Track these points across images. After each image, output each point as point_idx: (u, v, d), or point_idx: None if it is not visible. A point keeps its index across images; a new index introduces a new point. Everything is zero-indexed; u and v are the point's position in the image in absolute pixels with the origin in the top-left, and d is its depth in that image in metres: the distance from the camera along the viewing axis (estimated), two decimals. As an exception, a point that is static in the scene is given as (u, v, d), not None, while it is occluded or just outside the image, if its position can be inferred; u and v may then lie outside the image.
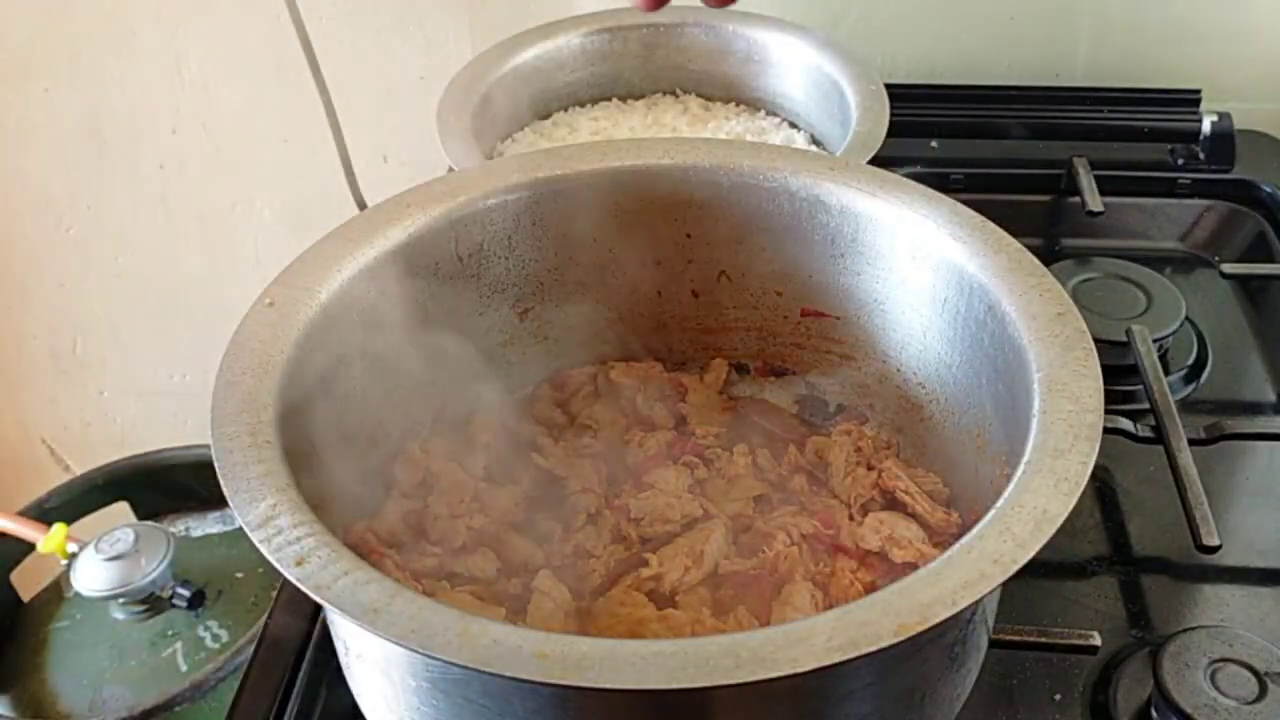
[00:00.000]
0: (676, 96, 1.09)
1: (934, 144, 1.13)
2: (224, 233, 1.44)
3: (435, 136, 0.92)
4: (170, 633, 1.10)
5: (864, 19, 1.19)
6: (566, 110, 1.08)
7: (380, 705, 0.57)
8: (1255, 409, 0.90)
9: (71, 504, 1.24)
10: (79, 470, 1.40)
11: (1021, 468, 0.52)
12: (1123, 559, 0.76)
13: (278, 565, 0.49)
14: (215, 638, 1.10)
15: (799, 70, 1.04)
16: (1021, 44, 1.19)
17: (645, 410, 0.77)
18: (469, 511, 0.69)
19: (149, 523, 1.21)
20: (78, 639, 1.12)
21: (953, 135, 1.13)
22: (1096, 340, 0.59)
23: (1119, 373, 0.83)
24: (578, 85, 1.08)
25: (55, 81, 1.34)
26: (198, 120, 1.36)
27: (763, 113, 1.07)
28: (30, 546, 1.16)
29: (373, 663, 0.55)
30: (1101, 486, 0.81)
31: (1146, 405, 0.81)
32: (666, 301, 0.79)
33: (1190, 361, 0.92)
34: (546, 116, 1.07)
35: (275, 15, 1.22)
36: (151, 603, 1.10)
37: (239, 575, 1.15)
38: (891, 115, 0.92)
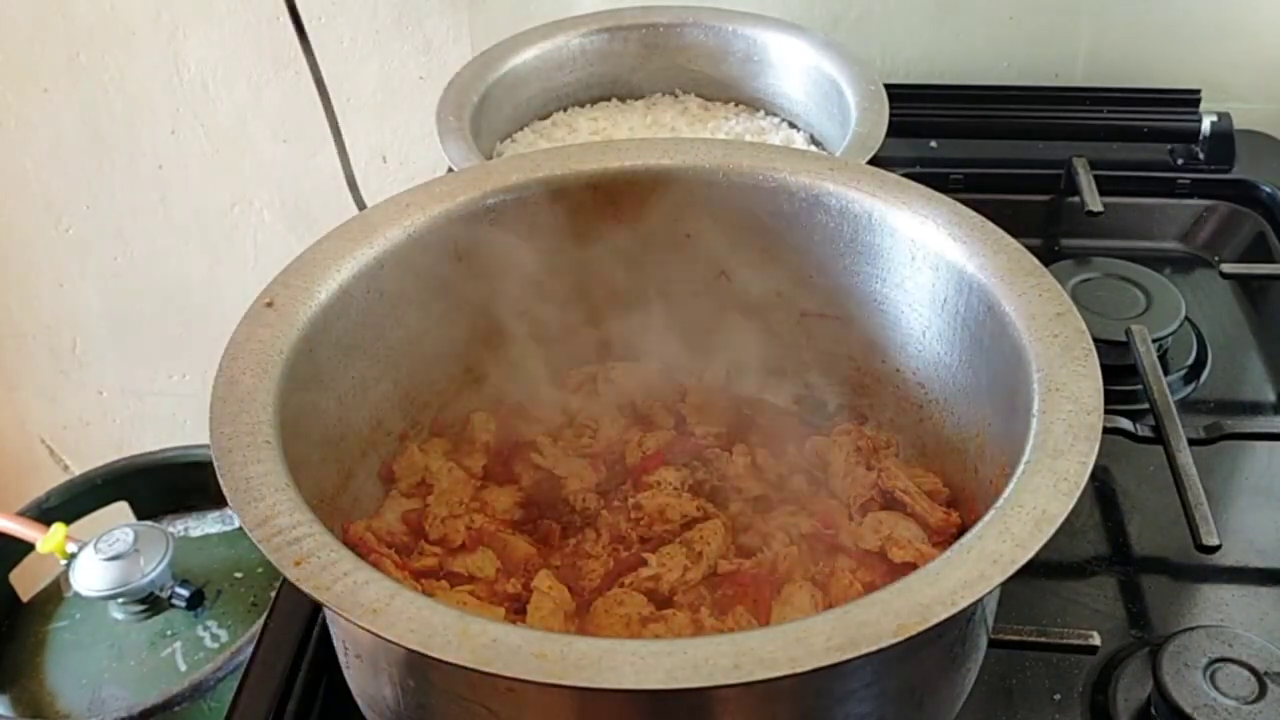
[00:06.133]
0: (676, 96, 1.09)
1: (934, 144, 1.13)
2: (223, 233, 1.44)
3: (435, 136, 0.92)
4: (169, 633, 1.10)
5: (864, 19, 1.19)
6: (566, 110, 1.08)
7: (380, 705, 0.57)
8: (1255, 409, 0.90)
9: (71, 504, 1.24)
10: (78, 470, 1.40)
11: (1021, 468, 0.52)
12: (1122, 559, 0.76)
13: (277, 565, 0.49)
14: (214, 638, 1.10)
15: (799, 70, 1.04)
16: (1021, 44, 1.19)
17: (645, 410, 0.77)
18: (468, 511, 0.69)
19: (148, 523, 1.21)
20: (77, 639, 1.12)
21: (952, 135, 1.13)
22: (1096, 340, 0.59)
23: (1119, 373, 0.83)
24: (577, 85, 1.08)
25: (55, 81, 1.34)
26: (197, 120, 1.36)
27: (762, 113, 1.07)
28: (29, 546, 1.16)
29: (373, 663, 0.55)
30: (1101, 486, 0.81)
31: (1146, 405, 0.81)
32: (666, 301, 0.79)
33: (1190, 361, 0.92)
34: (546, 116, 1.07)
35: (275, 15, 1.23)
36: (151, 603, 1.10)
37: (238, 575, 1.15)
38: (891, 115, 0.92)
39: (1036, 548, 0.48)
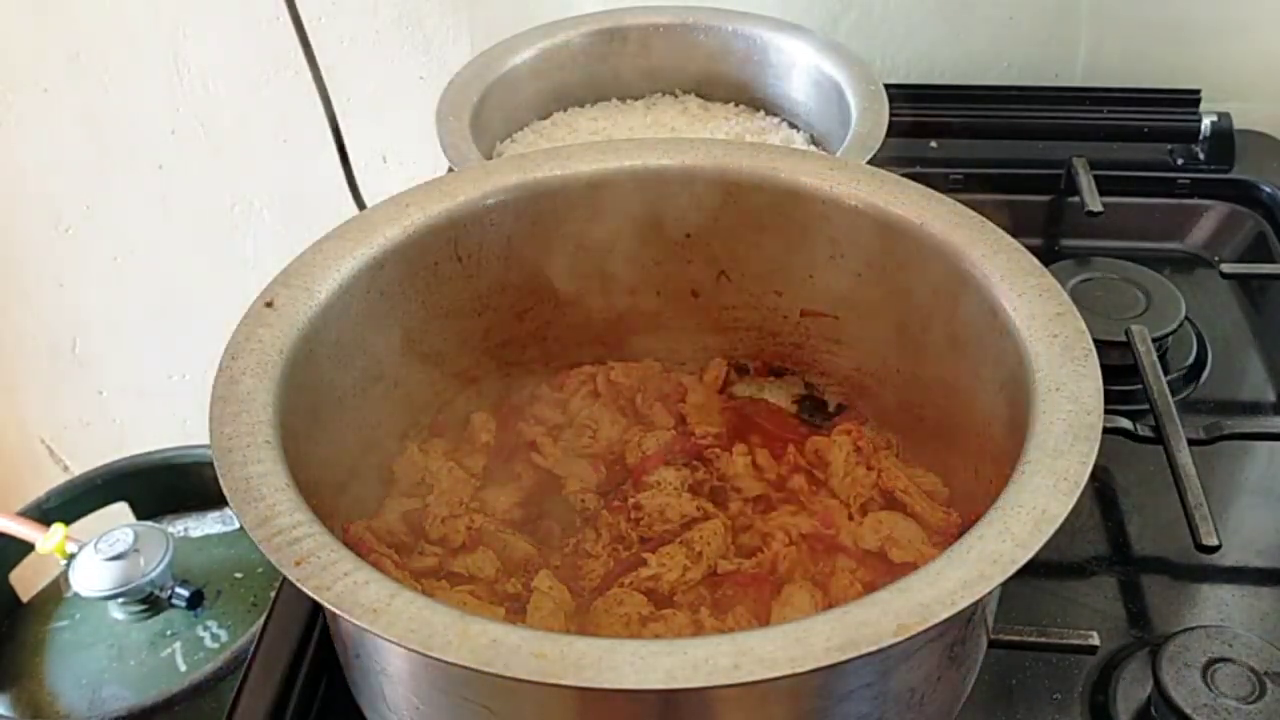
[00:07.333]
0: (676, 96, 1.09)
1: (933, 144, 1.13)
2: (223, 233, 1.44)
3: (435, 136, 0.92)
4: (169, 633, 1.10)
5: (863, 19, 1.19)
6: (566, 110, 1.08)
7: (380, 705, 0.57)
8: (1255, 409, 0.90)
9: (71, 504, 1.24)
10: (78, 470, 1.40)
11: (1021, 468, 0.52)
12: (1122, 559, 0.76)
13: (277, 565, 0.49)
14: (214, 638, 1.10)
15: (799, 70, 1.04)
16: (1021, 44, 1.19)
17: (645, 410, 0.77)
18: (468, 511, 0.69)
19: (148, 523, 1.21)
20: (77, 639, 1.12)
21: (952, 135, 1.13)
22: (1096, 340, 0.59)
23: (1119, 373, 0.83)
24: (577, 85, 1.08)
25: (55, 81, 1.34)
26: (197, 120, 1.36)
27: (762, 113, 1.07)
28: (29, 546, 1.16)
29: (373, 663, 0.55)
30: (1101, 486, 0.81)
31: (1146, 405, 0.81)
32: (666, 301, 0.79)
33: (1190, 361, 0.92)
34: (546, 116, 1.07)
35: (275, 15, 1.22)
36: (151, 603, 1.10)
37: (238, 575, 1.15)
38: (891, 115, 0.92)
39: (1036, 548, 0.48)
